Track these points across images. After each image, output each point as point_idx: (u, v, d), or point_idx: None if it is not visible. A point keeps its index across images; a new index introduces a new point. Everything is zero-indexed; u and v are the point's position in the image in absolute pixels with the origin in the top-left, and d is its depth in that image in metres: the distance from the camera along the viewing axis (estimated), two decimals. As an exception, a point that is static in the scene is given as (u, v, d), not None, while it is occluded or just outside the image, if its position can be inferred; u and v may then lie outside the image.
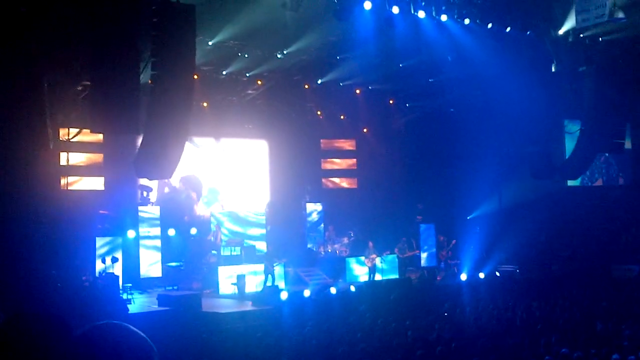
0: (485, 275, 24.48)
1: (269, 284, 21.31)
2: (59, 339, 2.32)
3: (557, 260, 27.61)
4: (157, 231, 23.36)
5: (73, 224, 19.77)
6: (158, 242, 23.33)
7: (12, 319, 2.48)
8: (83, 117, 20.46)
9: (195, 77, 19.28)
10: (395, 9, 18.97)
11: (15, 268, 16.36)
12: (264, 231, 26.22)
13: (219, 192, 27.03)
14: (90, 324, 2.20)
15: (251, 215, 26.60)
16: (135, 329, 2.20)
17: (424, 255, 27.06)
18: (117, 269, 19.99)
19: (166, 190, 25.70)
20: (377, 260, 24.24)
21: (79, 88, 20.85)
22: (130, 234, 22.38)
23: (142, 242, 22.93)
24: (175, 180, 25.27)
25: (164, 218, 23.74)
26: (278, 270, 22.28)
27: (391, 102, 29.55)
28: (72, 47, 17.91)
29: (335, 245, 26.06)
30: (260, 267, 22.06)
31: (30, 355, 2.36)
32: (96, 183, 23.46)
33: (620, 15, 19.92)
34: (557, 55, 23.50)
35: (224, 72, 23.72)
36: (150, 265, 22.97)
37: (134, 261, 22.29)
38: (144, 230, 23.03)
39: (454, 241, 26.69)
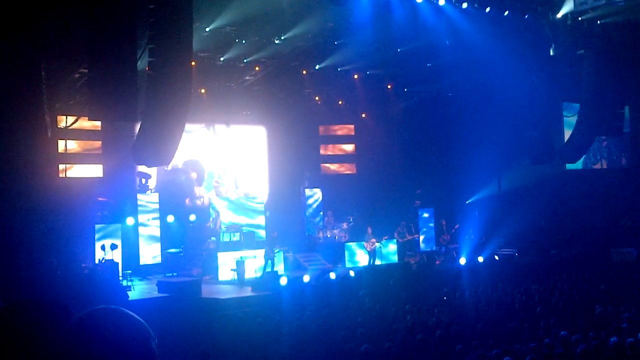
0: (484, 259, 24.53)
1: (268, 269, 21.37)
2: (58, 325, 2.33)
3: (556, 244, 27.68)
4: (156, 218, 23.38)
5: (72, 211, 19.81)
6: (157, 229, 23.36)
7: (9, 306, 2.48)
8: (81, 105, 20.48)
9: (193, 63, 19.23)
10: (393, -6, 18.92)
11: (15, 256, 16.39)
12: (262, 217, 26.26)
13: (213, 176, 27.04)
14: (88, 309, 2.20)
15: (249, 203, 26.63)
16: (132, 313, 2.20)
17: (421, 237, 27.16)
18: (117, 256, 20.02)
19: (166, 170, 25.63)
20: (377, 245, 24.28)
21: (77, 75, 20.83)
22: (130, 221, 22.42)
23: (141, 229, 22.97)
24: (177, 163, 25.42)
25: (163, 203, 23.76)
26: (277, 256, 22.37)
27: (389, 87, 29.49)
28: (69, 34, 17.86)
29: (335, 231, 26.10)
30: (260, 252, 22.11)
31: (29, 342, 2.37)
32: (95, 170, 23.46)
33: (619, -2, 19.88)
34: (556, 39, 23.43)
35: (222, 59, 23.65)
36: (150, 250, 23.04)
37: (133, 248, 22.33)
38: (143, 218, 23.07)
39: (457, 225, 26.73)
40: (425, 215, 27.91)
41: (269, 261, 21.68)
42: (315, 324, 14.22)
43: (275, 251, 22.13)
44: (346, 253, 24.56)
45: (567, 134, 27.86)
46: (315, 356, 12.23)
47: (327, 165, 30.87)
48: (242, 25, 21.09)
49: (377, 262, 24.21)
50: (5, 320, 2.43)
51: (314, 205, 27.93)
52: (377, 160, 30.01)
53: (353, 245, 24.91)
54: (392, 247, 25.29)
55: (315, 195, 28.05)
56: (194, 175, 26.46)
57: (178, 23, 16.10)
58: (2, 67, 16.54)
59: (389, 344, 11.79)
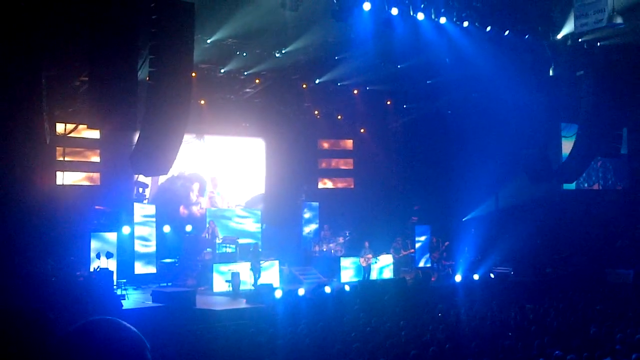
0: (479, 277, 24.51)
1: (256, 281, 21.33)
2: (39, 334, 2.34)
3: (551, 263, 27.64)
4: (152, 229, 23.36)
5: (68, 219, 19.79)
6: (153, 238, 23.32)
7: None
8: (80, 113, 20.50)
9: (193, 74, 19.29)
10: (395, 11, 18.98)
11: (10, 262, 16.35)
12: (258, 232, 26.25)
13: (210, 187, 27.12)
14: (84, 319, 2.21)
15: (245, 215, 26.65)
16: (128, 324, 2.22)
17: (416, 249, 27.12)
18: (112, 265, 19.96)
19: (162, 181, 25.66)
20: (372, 261, 24.26)
21: (77, 83, 20.86)
22: (126, 229, 22.37)
23: (137, 238, 22.92)
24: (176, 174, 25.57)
25: (159, 212, 23.71)
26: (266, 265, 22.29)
27: (389, 103, 29.57)
28: (70, 42, 17.92)
29: (331, 245, 26.06)
30: (246, 265, 22.10)
31: (13, 350, 2.37)
32: (92, 178, 23.46)
33: (619, 20, 19.95)
34: (556, 59, 23.54)
35: (222, 70, 23.72)
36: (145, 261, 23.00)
37: (128, 257, 22.28)
38: (139, 228, 23.03)
39: (446, 243, 26.68)
40: (422, 231, 27.87)
41: (256, 274, 21.60)
42: (310, 337, 14.19)
43: (261, 262, 22.05)
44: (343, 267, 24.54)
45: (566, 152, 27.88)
46: (308, 370, 12.22)
47: (325, 179, 30.87)
48: (244, 38, 21.18)
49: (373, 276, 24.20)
50: None
51: (311, 232, 27.68)
52: (375, 176, 30.04)
53: (348, 260, 24.86)
54: (388, 262, 25.26)
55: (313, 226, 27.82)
56: (195, 185, 26.53)
57: (179, 34, 16.16)
58: (2, 73, 16.56)
59: (383, 359, 11.78)
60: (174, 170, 22.30)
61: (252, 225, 26.37)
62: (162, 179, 25.29)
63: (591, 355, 11.90)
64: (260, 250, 22.85)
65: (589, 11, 20.29)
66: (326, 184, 30.82)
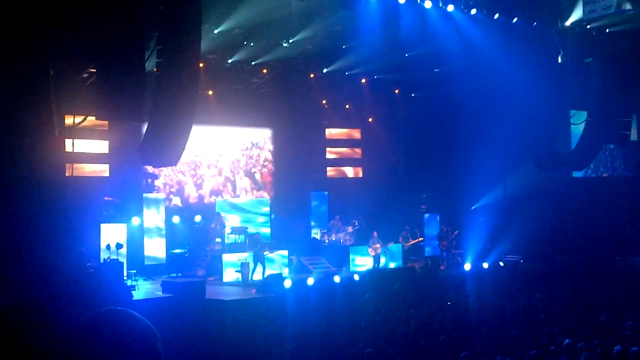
0: (489, 266, 24.49)
1: (267, 272, 21.35)
2: (41, 329, 2.34)
3: (561, 251, 27.58)
4: (162, 219, 23.46)
5: (78, 210, 19.82)
6: (162, 229, 23.42)
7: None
8: (88, 104, 20.51)
9: (201, 65, 19.28)
10: (402, -1, 18.95)
11: (21, 254, 16.42)
12: (266, 222, 26.29)
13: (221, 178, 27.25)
14: (94, 310, 2.22)
15: (254, 205, 26.69)
16: (138, 315, 2.23)
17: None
18: (122, 256, 20.04)
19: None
20: (381, 250, 24.28)
21: (85, 75, 20.88)
22: (135, 220, 22.45)
23: (146, 228, 23.02)
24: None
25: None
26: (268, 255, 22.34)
27: (397, 92, 29.51)
28: (78, 34, 17.90)
29: (340, 234, 26.06)
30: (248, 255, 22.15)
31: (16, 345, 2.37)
32: (101, 170, 23.53)
33: (628, 7, 19.86)
34: (564, 46, 23.44)
35: (230, 61, 23.69)
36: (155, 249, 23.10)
37: (138, 248, 22.37)
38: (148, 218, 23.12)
39: (456, 232, 26.65)
40: (431, 220, 27.86)
41: (259, 263, 21.62)
42: (319, 327, 14.23)
43: (265, 253, 22.07)
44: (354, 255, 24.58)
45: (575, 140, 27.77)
46: (318, 359, 12.25)
47: (333, 168, 30.86)
48: (251, 28, 21.12)
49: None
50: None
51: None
52: (384, 165, 30.01)
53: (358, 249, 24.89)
54: (397, 251, 25.28)
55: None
56: (210, 170, 26.65)
57: (187, 25, 16.15)
58: (11, 65, 16.58)
59: (392, 349, 11.80)
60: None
61: (259, 216, 26.40)
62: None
63: (601, 343, 11.89)
64: (262, 241, 22.90)
65: (597, -3, 20.21)
66: (334, 173, 30.79)
